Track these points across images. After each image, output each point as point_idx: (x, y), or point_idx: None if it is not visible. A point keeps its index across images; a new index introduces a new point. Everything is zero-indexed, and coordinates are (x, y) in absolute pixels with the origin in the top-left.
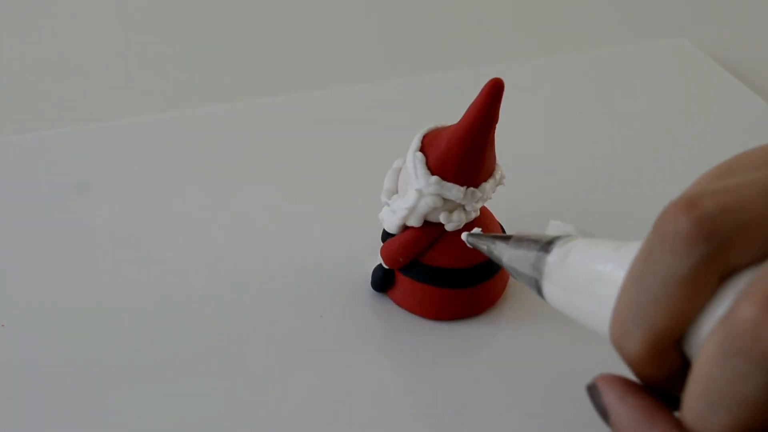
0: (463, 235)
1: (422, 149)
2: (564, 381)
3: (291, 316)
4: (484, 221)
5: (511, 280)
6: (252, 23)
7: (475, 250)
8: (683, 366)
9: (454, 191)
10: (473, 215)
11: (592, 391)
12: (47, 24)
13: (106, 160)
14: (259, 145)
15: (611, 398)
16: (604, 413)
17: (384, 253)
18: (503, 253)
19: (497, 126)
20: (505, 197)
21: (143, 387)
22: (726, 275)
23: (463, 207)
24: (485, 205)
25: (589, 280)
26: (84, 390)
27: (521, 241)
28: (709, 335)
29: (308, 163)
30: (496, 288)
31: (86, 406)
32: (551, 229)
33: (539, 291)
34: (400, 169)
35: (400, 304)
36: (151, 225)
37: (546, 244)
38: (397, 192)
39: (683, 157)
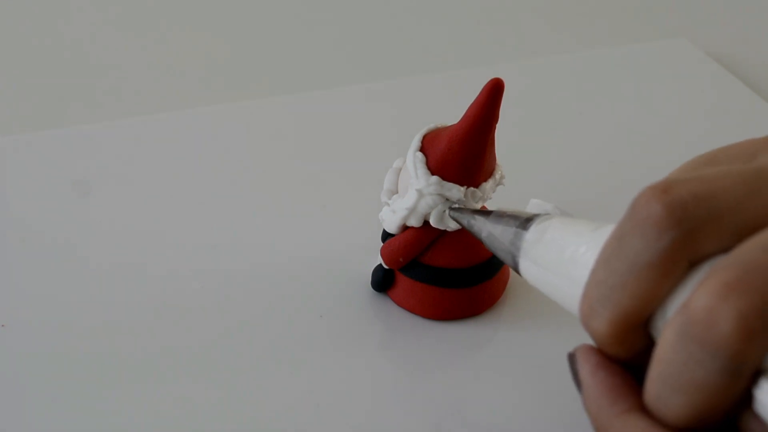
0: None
1: (422, 149)
2: (564, 381)
3: (290, 316)
4: None
5: (511, 279)
6: (253, 23)
7: (475, 250)
8: (650, 346)
9: (454, 191)
10: None
11: (572, 359)
12: (47, 24)
13: (106, 160)
14: (259, 145)
15: (585, 369)
16: (578, 383)
17: (384, 253)
18: (483, 228)
19: (497, 126)
20: (505, 197)
21: (144, 387)
22: (696, 262)
23: None
24: (485, 205)
25: (564, 259)
26: (84, 389)
27: (501, 216)
28: (669, 321)
29: (308, 162)
30: (496, 288)
31: (87, 405)
32: (531, 207)
33: (515, 267)
34: (400, 169)
35: (400, 304)
36: (151, 224)
37: (525, 221)
38: (397, 192)
39: (683, 156)
